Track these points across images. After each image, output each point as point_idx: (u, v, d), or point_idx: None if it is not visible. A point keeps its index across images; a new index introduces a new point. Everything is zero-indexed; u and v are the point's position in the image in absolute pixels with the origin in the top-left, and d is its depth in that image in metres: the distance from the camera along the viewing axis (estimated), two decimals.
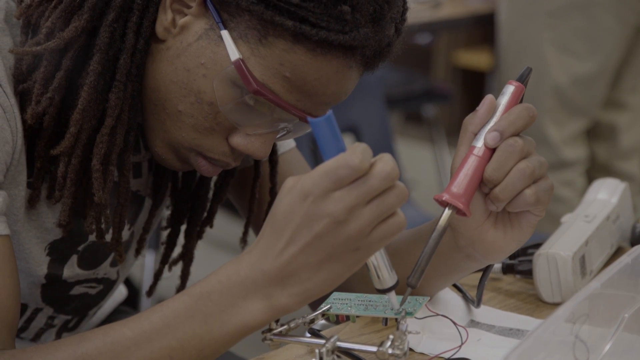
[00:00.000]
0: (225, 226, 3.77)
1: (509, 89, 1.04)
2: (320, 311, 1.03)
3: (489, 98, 1.03)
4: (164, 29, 1.03)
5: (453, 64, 4.76)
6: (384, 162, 0.88)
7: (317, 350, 0.95)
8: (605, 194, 1.38)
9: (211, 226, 1.23)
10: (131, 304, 1.71)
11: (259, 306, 0.91)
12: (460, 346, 1.03)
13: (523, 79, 1.04)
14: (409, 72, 3.89)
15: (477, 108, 1.03)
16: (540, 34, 2.70)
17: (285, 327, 1.01)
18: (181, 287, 1.25)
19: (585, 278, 1.25)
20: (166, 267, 1.26)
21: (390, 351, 0.96)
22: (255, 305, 0.91)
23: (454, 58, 4.75)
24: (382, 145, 2.67)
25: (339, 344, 0.97)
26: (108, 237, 1.12)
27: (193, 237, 1.22)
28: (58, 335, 1.20)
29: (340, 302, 1.05)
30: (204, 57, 1.01)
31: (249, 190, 1.23)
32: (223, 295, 0.91)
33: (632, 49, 2.77)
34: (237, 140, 1.05)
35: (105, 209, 1.07)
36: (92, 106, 1.03)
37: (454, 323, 1.04)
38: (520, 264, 1.28)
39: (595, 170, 2.84)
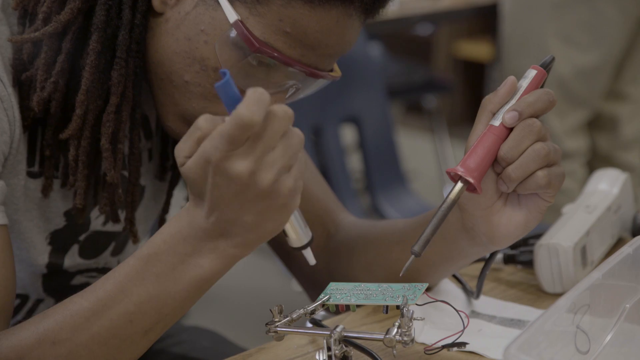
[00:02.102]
0: None
1: (531, 73, 1.04)
2: (319, 302, 1.03)
3: (510, 79, 1.03)
4: (161, 1, 1.03)
5: (454, 55, 4.76)
6: (277, 110, 0.87)
7: (325, 340, 0.95)
8: (607, 184, 1.37)
9: None
10: None
11: (208, 259, 0.92)
12: (462, 331, 1.03)
13: (546, 66, 1.04)
14: (410, 62, 3.89)
15: (499, 88, 1.03)
16: (544, 25, 2.70)
17: (287, 318, 1.01)
18: None
19: (586, 268, 1.25)
20: None
21: (397, 338, 0.96)
22: (205, 259, 0.92)
23: (454, 49, 4.75)
24: (382, 135, 2.67)
25: (345, 333, 0.97)
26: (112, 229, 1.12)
27: None
28: None
29: (338, 292, 1.05)
30: (203, 24, 1.02)
31: None
32: (170, 254, 0.92)
33: (634, 41, 2.77)
34: None
35: (117, 189, 1.07)
36: (95, 86, 1.03)
37: (455, 309, 1.04)
38: (521, 255, 1.28)
39: (596, 161, 2.84)
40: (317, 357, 0.95)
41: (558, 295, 1.21)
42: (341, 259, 1.23)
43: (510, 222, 1.05)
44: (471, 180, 1.00)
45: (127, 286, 0.93)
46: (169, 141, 1.19)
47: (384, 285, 1.04)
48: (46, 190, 1.07)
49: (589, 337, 0.93)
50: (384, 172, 2.66)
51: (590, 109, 2.79)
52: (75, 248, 1.13)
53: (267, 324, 1.00)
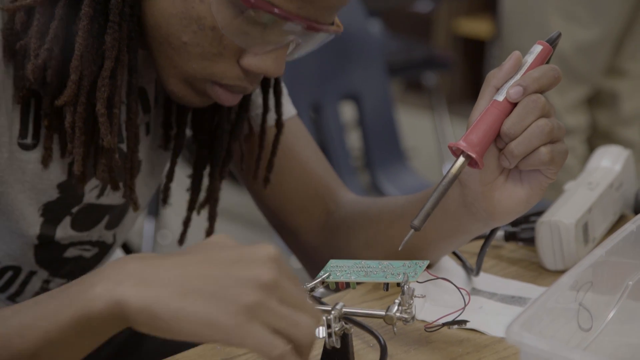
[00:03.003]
0: (227, 195, 3.77)
1: (537, 49, 1.03)
2: (319, 279, 1.03)
3: (515, 54, 1.02)
4: None
5: (454, 32, 4.74)
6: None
7: (324, 317, 0.94)
8: (609, 161, 1.37)
9: (229, 164, 1.21)
10: None
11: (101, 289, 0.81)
12: (462, 309, 1.03)
13: (552, 42, 1.03)
14: (410, 40, 3.87)
15: (503, 63, 1.02)
16: (545, 1, 2.69)
17: None
18: (209, 230, 1.24)
19: (588, 246, 1.24)
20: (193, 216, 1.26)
21: (398, 315, 0.95)
22: (99, 287, 0.81)
23: (454, 26, 4.73)
24: (382, 113, 2.66)
25: (346, 309, 0.96)
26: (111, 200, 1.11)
27: (216, 178, 1.21)
28: None
29: (338, 270, 1.04)
30: None
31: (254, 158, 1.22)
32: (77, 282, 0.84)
33: (634, 17, 2.76)
34: (248, 61, 1.04)
35: (114, 154, 1.06)
36: (89, 51, 1.02)
37: (456, 286, 1.03)
38: (522, 232, 1.27)
39: (596, 138, 2.83)
40: (317, 335, 0.94)
41: (559, 272, 1.20)
42: (341, 236, 1.22)
43: (511, 199, 1.04)
44: (473, 155, 0.99)
45: (23, 305, 0.86)
46: (172, 110, 1.18)
47: (385, 262, 1.04)
48: (46, 161, 1.06)
49: (591, 314, 0.93)
50: (384, 149, 2.65)
51: (590, 85, 2.79)
52: (67, 220, 1.13)
53: None
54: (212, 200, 1.23)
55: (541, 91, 1.01)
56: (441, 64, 3.60)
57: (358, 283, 1.03)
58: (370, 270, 1.03)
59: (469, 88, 4.75)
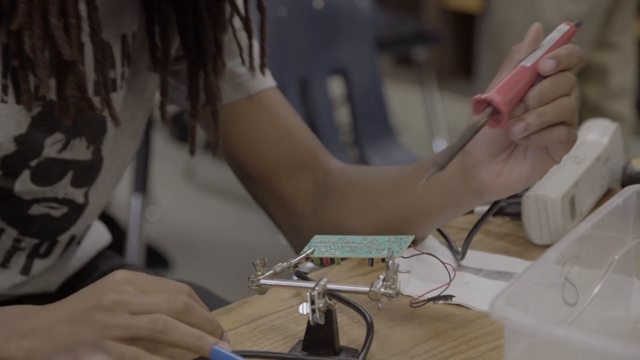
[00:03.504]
0: (216, 171, 3.76)
1: (564, 28, 1.04)
2: (304, 254, 1.02)
3: (535, 25, 1.03)
4: None
5: (444, 7, 4.72)
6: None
7: (308, 294, 0.93)
8: (596, 134, 1.36)
9: (222, 57, 1.19)
10: (116, 249, 1.70)
11: None
12: (448, 284, 1.02)
13: (577, 26, 1.05)
14: (399, 14, 3.86)
15: (525, 36, 1.02)
16: None
17: (271, 272, 1.00)
18: (215, 128, 1.21)
19: (575, 219, 1.23)
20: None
21: (382, 291, 0.94)
22: None
23: (444, 0, 4.71)
24: (371, 88, 2.65)
25: (329, 286, 0.95)
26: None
27: (210, 74, 1.18)
28: (30, 260, 1.18)
29: (323, 245, 1.03)
30: None
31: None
32: None
33: None
34: None
35: (78, 65, 1.04)
36: None
37: (441, 262, 1.02)
38: (509, 206, 1.27)
39: (585, 111, 2.83)
40: (301, 311, 0.94)
41: (546, 247, 1.20)
42: (330, 205, 1.21)
43: (512, 174, 1.03)
44: (504, 110, 0.97)
45: None
46: (155, 33, 1.17)
47: (369, 237, 1.03)
48: (28, 105, 1.05)
49: (577, 288, 0.92)
50: (373, 125, 2.64)
51: None
52: (26, 173, 1.11)
53: (249, 277, 0.99)
54: (211, 97, 1.19)
55: (569, 69, 1.00)
56: (431, 38, 3.59)
57: (343, 259, 1.02)
58: (355, 246, 1.02)
59: (459, 63, 4.74)
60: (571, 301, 0.92)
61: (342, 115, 2.98)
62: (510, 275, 1.13)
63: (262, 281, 0.99)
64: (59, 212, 1.16)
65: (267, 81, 1.24)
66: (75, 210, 1.18)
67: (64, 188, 1.15)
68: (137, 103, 1.20)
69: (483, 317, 1.04)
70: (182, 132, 3.87)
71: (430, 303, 1.03)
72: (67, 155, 1.12)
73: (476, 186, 1.05)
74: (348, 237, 1.04)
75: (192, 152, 1.24)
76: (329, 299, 0.95)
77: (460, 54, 4.74)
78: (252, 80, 1.23)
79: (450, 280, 1.02)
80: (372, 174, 1.21)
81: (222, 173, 3.71)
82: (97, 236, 1.36)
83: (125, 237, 2.59)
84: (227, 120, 1.22)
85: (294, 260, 1.02)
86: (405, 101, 4.29)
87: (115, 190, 1.28)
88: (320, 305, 0.93)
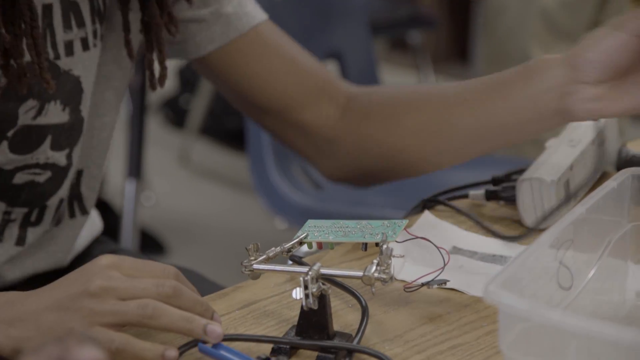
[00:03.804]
0: (210, 156, 3.75)
1: None
2: (297, 239, 1.01)
3: None
4: None
5: None
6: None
7: (301, 279, 0.93)
8: None
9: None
10: (111, 234, 1.69)
11: None
12: (442, 268, 1.01)
13: None
14: None
15: None
16: None
17: (264, 256, 0.99)
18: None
19: (570, 203, 1.23)
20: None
21: (376, 275, 0.94)
22: None
23: None
24: (366, 72, 2.64)
25: (323, 270, 0.95)
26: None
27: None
28: (23, 230, 1.17)
29: (316, 230, 1.02)
30: None
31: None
32: None
33: None
34: None
35: (24, 16, 1.04)
36: None
37: (435, 246, 1.02)
38: (503, 190, 1.26)
39: None
40: (294, 296, 0.93)
41: (541, 230, 1.19)
42: (376, 126, 1.20)
43: (614, 103, 1.03)
44: None
45: None
46: None
47: (363, 222, 1.02)
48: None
49: (571, 272, 0.92)
50: None
51: (574, 42, 2.76)
52: (4, 144, 1.10)
53: (242, 262, 0.98)
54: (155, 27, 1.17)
55: None
56: (426, 22, 3.58)
57: (337, 243, 1.01)
58: (348, 230, 1.02)
59: (455, 47, 4.73)
60: (566, 285, 0.91)
61: None
62: (504, 258, 1.13)
63: (255, 266, 0.99)
64: (43, 177, 1.15)
65: (258, 16, 1.24)
66: (59, 172, 1.16)
67: (44, 153, 1.14)
68: (114, 61, 1.18)
69: (477, 301, 1.04)
70: (176, 117, 3.86)
71: (424, 287, 1.02)
72: (42, 120, 1.11)
73: (570, 105, 1.05)
74: (342, 221, 1.03)
75: (152, 86, 1.19)
76: (323, 284, 0.94)
77: (455, 37, 4.73)
78: (242, 18, 1.22)
79: (444, 265, 1.02)
80: (423, 92, 1.19)
81: (216, 158, 3.70)
82: (93, 228, 1.36)
83: (120, 223, 2.59)
84: (228, 63, 1.22)
85: (287, 245, 1.01)
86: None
87: (110, 175, 1.27)
88: (314, 290, 0.92)
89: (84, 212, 1.23)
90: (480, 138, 1.11)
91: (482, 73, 3.03)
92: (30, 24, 1.05)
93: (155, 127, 3.79)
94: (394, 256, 0.96)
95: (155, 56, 1.17)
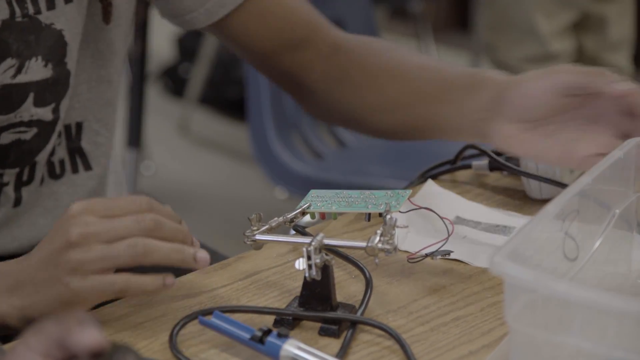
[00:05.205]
0: (210, 125, 3.74)
1: None
2: (299, 209, 1.00)
3: None
4: None
5: None
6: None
7: (304, 249, 0.92)
8: None
9: None
10: None
11: None
12: (446, 239, 1.01)
13: None
14: None
15: None
16: None
17: (266, 226, 0.98)
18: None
19: (574, 173, 1.22)
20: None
21: (380, 246, 0.93)
22: None
23: None
24: None
25: (326, 241, 0.94)
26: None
27: None
28: (18, 191, 1.16)
29: (319, 200, 1.02)
30: None
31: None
32: None
33: None
34: None
35: None
36: None
37: (439, 216, 1.01)
38: (507, 161, 1.25)
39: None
40: (297, 266, 0.92)
41: (544, 201, 1.18)
42: (342, 92, 1.23)
43: (523, 145, 1.06)
44: None
45: None
46: None
47: (366, 192, 1.01)
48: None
49: (577, 243, 0.91)
50: None
51: (577, 9, 2.75)
52: None
53: (244, 232, 0.97)
54: None
55: None
56: None
57: (339, 213, 1.01)
58: (352, 200, 1.01)
59: (455, 15, 4.70)
60: (571, 256, 0.90)
61: None
62: (508, 229, 1.12)
63: (258, 237, 0.98)
64: (29, 134, 1.13)
65: None
66: (46, 128, 1.14)
67: (28, 110, 1.12)
68: (100, 12, 1.16)
69: (482, 272, 1.03)
70: (175, 86, 3.84)
71: (428, 258, 1.02)
72: (23, 78, 1.10)
73: (488, 132, 1.08)
74: (345, 191, 1.02)
75: (106, 19, 1.17)
76: (326, 254, 0.93)
77: (456, 6, 4.70)
78: None
79: (449, 235, 1.01)
80: (403, 70, 1.21)
81: (216, 127, 3.69)
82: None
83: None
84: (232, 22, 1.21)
85: (290, 214, 1.00)
86: None
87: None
88: (317, 260, 0.92)
89: (88, 168, 1.21)
90: (417, 132, 1.17)
91: (485, 41, 3.03)
92: None
93: (154, 96, 3.78)
94: (397, 226, 0.95)
95: None
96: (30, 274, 0.92)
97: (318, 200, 1.02)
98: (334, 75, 1.24)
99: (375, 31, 2.65)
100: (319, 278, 0.92)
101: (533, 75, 1.09)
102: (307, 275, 0.92)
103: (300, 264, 0.92)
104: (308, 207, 1.01)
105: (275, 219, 0.99)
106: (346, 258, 1.00)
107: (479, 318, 0.96)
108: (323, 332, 0.93)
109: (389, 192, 1.01)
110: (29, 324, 0.87)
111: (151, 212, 0.92)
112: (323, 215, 1.01)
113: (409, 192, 1.01)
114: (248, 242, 0.98)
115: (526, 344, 0.81)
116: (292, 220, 1.00)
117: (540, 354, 0.81)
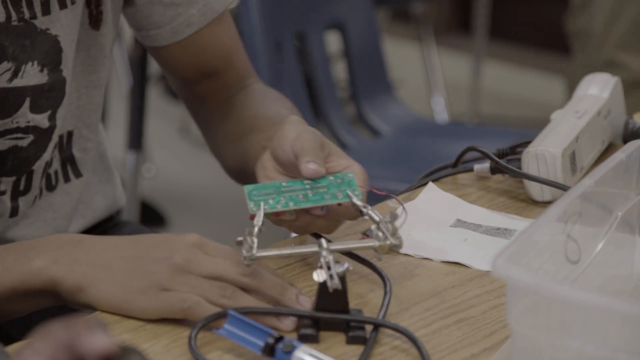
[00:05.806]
0: None
1: None
2: (261, 214, 0.97)
3: None
4: None
5: None
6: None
7: (322, 259, 0.90)
8: (596, 89, 1.33)
9: None
10: None
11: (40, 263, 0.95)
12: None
13: None
14: None
15: None
16: None
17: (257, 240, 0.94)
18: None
19: (576, 175, 1.22)
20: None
21: (388, 242, 0.94)
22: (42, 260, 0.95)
23: None
24: (368, 43, 2.62)
25: (334, 246, 0.93)
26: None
27: None
28: (15, 201, 1.15)
29: (265, 197, 0.99)
30: None
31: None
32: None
33: None
34: None
35: None
36: None
37: (399, 201, 1.02)
38: (509, 163, 1.24)
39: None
40: (315, 278, 0.91)
41: (546, 203, 1.18)
42: (208, 131, 1.27)
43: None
44: None
45: None
46: None
47: (307, 181, 1.00)
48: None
49: (579, 246, 0.91)
50: (370, 80, 2.62)
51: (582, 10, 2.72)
52: None
53: (243, 255, 0.93)
54: None
55: None
56: None
57: (297, 210, 0.99)
58: (304, 193, 0.99)
59: (457, 18, 4.70)
60: (574, 259, 0.90)
61: (339, 71, 2.96)
62: (509, 232, 1.12)
63: (259, 254, 0.93)
64: (26, 141, 1.13)
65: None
66: (42, 135, 1.14)
67: (24, 116, 1.12)
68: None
69: (483, 275, 1.03)
70: None
71: (431, 262, 1.02)
72: (19, 82, 1.10)
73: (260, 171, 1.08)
74: (284, 183, 1.01)
75: (96, 26, 1.18)
76: (338, 261, 0.91)
77: (458, 8, 4.71)
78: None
79: (405, 217, 1.00)
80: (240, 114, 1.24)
81: None
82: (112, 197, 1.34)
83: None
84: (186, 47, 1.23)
85: (258, 225, 0.97)
86: (402, 57, 4.26)
87: (110, 147, 1.26)
88: (339, 270, 0.90)
89: (78, 175, 1.21)
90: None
91: (486, 45, 3.01)
92: None
93: (155, 99, 3.78)
94: (397, 214, 0.95)
95: None
96: (108, 256, 0.95)
97: (263, 197, 0.99)
98: (214, 118, 1.26)
99: (378, 34, 2.65)
100: (340, 287, 0.91)
101: (285, 133, 1.06)
102: (329, 285, 0.90)
103: (320, 275, 0.91)
104: (257, 207, 0.98)
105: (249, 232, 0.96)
106: (364, 261, 1.00)
107: (481, 321, 0.96)
108: (350, 341, 0.91)
109: (332, 177, 1.00)
110: (78, 292, 0.93)
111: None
112: (279, 214, 0.99)
113: (351, 173, 1.00)
114: (248, 263, 0.94)
115: (528, 346, 0.81)
116: (260, 231, 0.96)
117: (542, 357, 0.81)
